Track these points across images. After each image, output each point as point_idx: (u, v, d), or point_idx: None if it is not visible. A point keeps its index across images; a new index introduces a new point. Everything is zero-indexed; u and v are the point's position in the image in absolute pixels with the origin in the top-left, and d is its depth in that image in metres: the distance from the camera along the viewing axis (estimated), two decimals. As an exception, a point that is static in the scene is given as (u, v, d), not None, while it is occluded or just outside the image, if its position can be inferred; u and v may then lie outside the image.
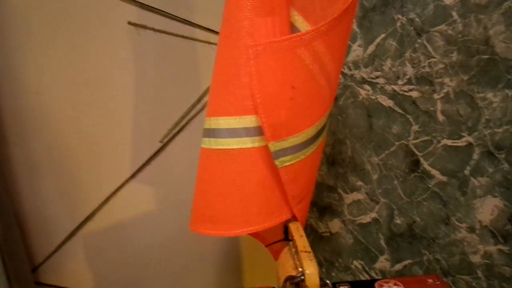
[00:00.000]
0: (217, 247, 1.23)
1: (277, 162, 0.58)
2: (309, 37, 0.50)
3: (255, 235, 0.78)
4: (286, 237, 0.71)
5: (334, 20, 0.50)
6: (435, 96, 0.84)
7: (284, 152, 0.57)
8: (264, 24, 0.57)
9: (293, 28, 0.63)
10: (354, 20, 0.93)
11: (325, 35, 0.51)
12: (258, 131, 0.58)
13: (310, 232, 1.22)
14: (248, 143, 0.59)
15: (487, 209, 0.82)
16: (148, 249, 1.11)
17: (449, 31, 0.80)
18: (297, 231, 0.64)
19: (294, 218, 0.68)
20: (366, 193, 1.03)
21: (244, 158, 0.60)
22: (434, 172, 0.88)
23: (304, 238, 0.61)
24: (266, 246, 0.79)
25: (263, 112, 0.53)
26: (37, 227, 0.97)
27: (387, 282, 0.67)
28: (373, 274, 1.08)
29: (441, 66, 0.82)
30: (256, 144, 0.59)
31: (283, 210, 0.65)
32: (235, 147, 0.60)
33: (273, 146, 0.56)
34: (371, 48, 0.93)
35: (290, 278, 0.57)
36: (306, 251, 0.57)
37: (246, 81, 0.57)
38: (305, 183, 0.65)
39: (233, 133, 0.60)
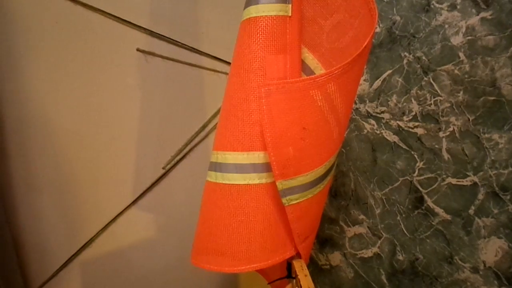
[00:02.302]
0: (216, 277, 1.21)
1: (284, 200, 0.57)
2: (323, 80, 0.50)
3: (259, 270, 0.77)
4: (289, 274, 0.70)
5: (347, 64, 0.50)
6: (441, 134, 0.84)
7: (291, 190, 0.57)
8: (276, 62, 0.57)
9: (303, 66, 0.64)
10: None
11: (339, 78, 0.51)
12: (266, 167, 0.58)
13: (310, 263, 1.21)
14: (255, 179, 0.59)
15: (492, 250, 0.81)
16: (145, 278, 1.09)
17: (456, 71, 0.80)
18: (302, 270, 0.63)
19: (297, 255, 0.67)
20: (368, 227, 1.02)
21: (251, 194, 0.60)
22: (438, 210, 0.87)
23: (309, 278, 0.60)
24: (268, 283, 0.78)
25: (273, 151, 0.53)
26: (33, 251, 0.95)
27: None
28: (373, 310, 1.06)
29: (447, 105, 0.82)
30: (263, 181, 0.59)
31: (288, 247, 0.65)
32: (242, 183, 0.60)
33: (281, 184, 0.55)
34: (377, 83, 0.93)
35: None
36: (311, 293, 0.56)
37: (256, 118, 0.57)
38: (311, 221, 0.65)
39: (240, 168, 0.59)
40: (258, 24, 0.56)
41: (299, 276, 0.61)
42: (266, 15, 0.56)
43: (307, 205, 0.60)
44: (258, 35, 0.56)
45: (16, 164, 0.90)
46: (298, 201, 0.58)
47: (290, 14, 0.56)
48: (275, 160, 0.54)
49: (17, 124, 0.88)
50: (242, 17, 0.59)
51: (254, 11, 0.56)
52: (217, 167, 0.62)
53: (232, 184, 0.60)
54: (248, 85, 0.57)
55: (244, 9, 0.58)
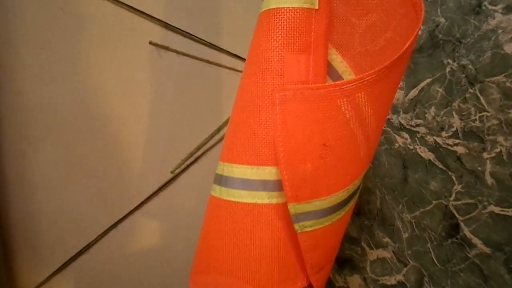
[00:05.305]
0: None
1: (296, 226, 0.49)
2: (351, 88, 0.41)
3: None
4: (299, 307, 0.61)
5: (383, 69, 0.41)
6: (485, 155, 0.74)
7: (306, 216, 0.48)
8: (297, 63, 0.48)
9: (330, 69, 0.55)
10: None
11: (372, 86, 0.42)
12: (278, 186, 0.49)
13: (326, 285, 1.11)
14: (264, 198, 0.51)
15: (538, 293, 0.70)
16: (146, 288, 1.02)
17: (508, 84, 0.69)
18: (314, 308, 0.54)
19: (309, 287, 0.58)
20: (394, 252, 0.92)
21: (259, 215, 0.51)
22: (475, 241, 0.77)
23: (322, 318, 0.51)
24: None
25: (286, 169, 0.44)
26: (25, 254, 0.88)
27: None
28: None
29: (495, 122, 0.72)
30: (274, 201, 0.51)
31: (299, 277, 0.56)
32: (248, 201, 0.51)
33: (294, 208, 0.47)
34: (414, 92, 0.83)
35: None
36: None
37: (269, 127, 0.48)
38: (327, 251, 0.56)
39: (248, 185, 0.51)
40: (278, 17, 0.48)
41: (310, 314, 0.52)
42: (289, 7, 0.47)
43: (324, 234, 0.51)
44: (278, 29, 0.48)
45: (9, 159, 0.84)
46: (313, 228, 0.49)
47: (316, 7, 0.48)
48: (288, 179, 0.45)
49: (14, 117, 0.82)
50: (261, 8, 0.51)
51: (274, 1, 0.48)
52: (222, 180, 0.54)
53: (237, 202, 0.52)
54: (263, 88, 0.49)
55: (263, -2, 0.50)
